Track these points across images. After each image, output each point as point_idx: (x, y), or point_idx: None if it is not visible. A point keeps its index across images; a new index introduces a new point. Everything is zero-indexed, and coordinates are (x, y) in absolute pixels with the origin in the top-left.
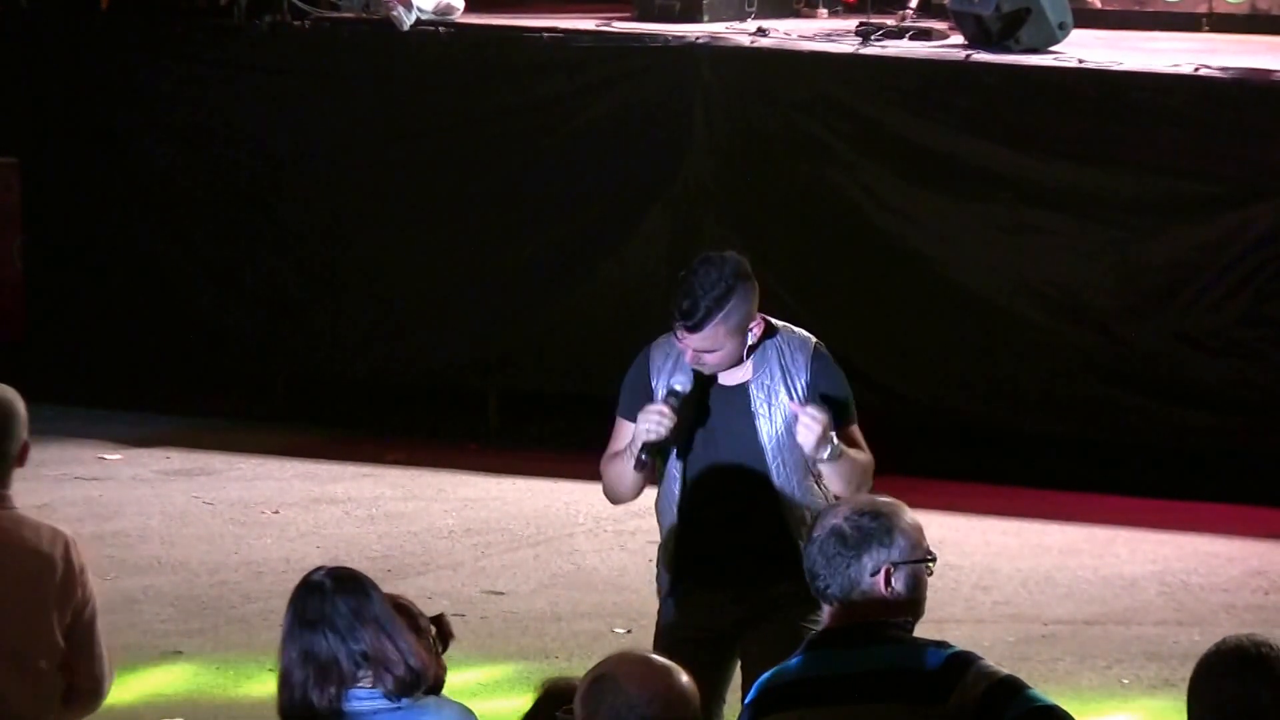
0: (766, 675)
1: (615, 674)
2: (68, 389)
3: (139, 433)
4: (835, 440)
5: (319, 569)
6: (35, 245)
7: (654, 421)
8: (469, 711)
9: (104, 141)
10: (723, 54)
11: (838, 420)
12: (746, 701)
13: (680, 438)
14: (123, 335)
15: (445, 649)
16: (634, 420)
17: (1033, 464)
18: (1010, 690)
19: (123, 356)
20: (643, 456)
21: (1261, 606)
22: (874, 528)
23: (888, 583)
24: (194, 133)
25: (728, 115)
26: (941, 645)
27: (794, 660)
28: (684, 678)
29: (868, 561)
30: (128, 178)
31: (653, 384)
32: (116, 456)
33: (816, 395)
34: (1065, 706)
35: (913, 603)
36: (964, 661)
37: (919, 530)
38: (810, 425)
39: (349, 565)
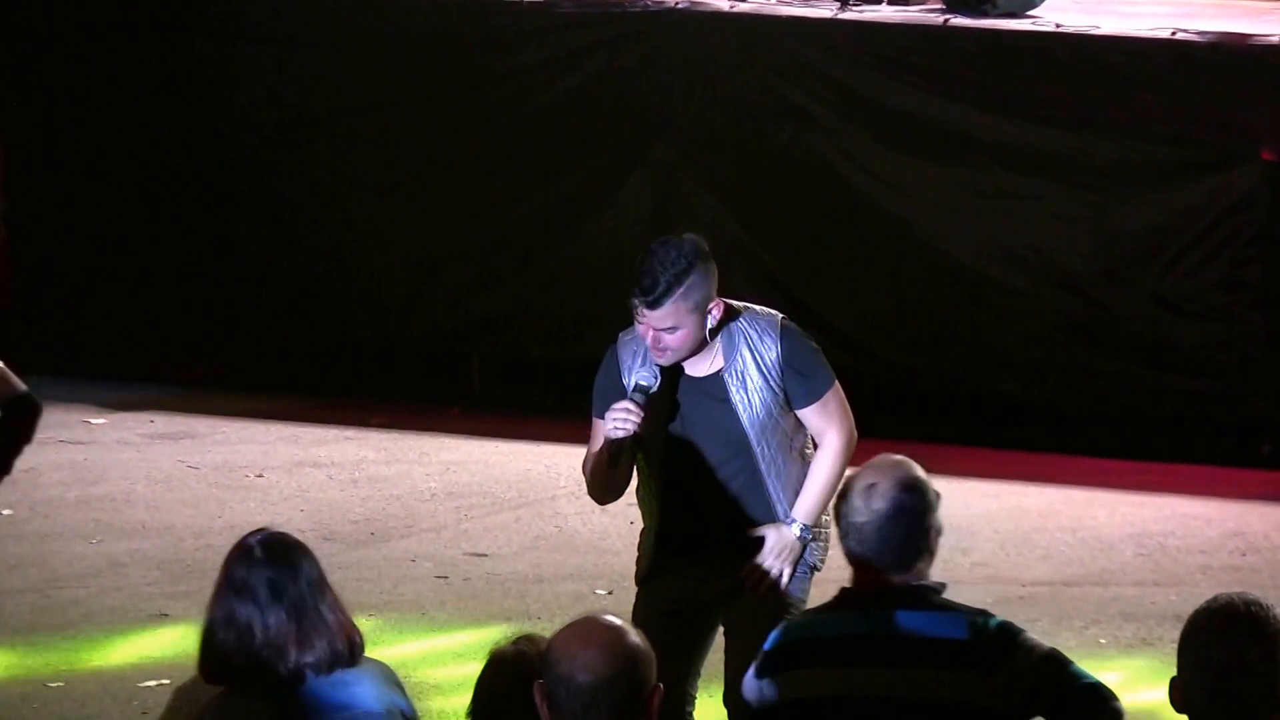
0: (795, 624)
1: (556, 655)
2: (52, 356)
3: (123, 397)
4: (803, 529)
5: (257, 532)
6: (18, 212)
7: (620, 419)
8: (388, 672)
9: (87, 108)
10: (701, 19)
11: (811, 396)
12: (768, 647)
13: (655, 434)
14: (106, 302)
15: None
16: None
17: (1011, 426)
18: (1057, 666)
19: (106, 323)
20: (615, 454)
21: (1238, 568)
22: (914, 492)
23: (928, 548)
24: (177, 99)
25: (706, 80)
26: (984, 614)
27: (829, 615)
28: (627, 639)
29: (907, 525)
30: (111, 145)
31: (625, 382)
32: (101, 421)
33: (789, 369)
34: None
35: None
36: (1010, 633)
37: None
38: (772, 575)
39: (331, 527)
